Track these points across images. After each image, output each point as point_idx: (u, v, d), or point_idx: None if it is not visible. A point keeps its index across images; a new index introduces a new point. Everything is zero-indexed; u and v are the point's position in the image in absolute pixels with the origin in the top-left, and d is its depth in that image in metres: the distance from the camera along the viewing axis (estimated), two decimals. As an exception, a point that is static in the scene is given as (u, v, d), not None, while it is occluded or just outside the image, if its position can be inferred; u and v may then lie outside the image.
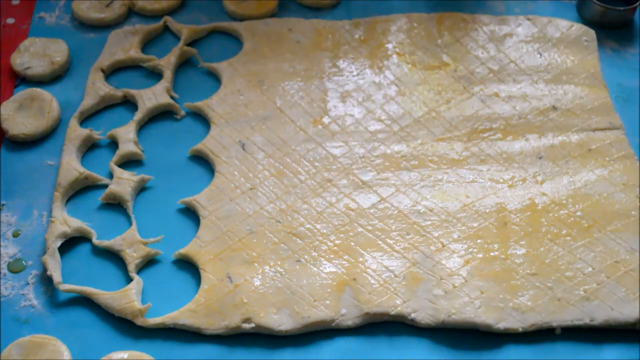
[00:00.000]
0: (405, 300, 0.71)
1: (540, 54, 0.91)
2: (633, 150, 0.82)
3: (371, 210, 0.77)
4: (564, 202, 0.78)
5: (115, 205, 0.79)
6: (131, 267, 0.73)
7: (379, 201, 0.78)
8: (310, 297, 0.71)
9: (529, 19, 0.95)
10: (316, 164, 0.81)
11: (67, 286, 0.71)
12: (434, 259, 0.74)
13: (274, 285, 0.72)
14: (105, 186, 0.79)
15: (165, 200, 0.79)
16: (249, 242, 0.74)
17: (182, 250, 0.74)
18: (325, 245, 0.74)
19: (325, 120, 0.85)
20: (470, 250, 0.74)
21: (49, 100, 0.85)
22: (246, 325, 0.69)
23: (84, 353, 0.68)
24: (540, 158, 0.82)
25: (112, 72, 0.90)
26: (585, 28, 0.94)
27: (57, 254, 0.73)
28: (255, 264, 0.73)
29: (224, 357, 0.69)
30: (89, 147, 0.84)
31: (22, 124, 0.83)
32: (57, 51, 0.89)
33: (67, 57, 0.89)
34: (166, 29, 0.95)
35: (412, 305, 0.71)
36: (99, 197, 0.79)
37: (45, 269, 0.72)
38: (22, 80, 0.89)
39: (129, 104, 0.87)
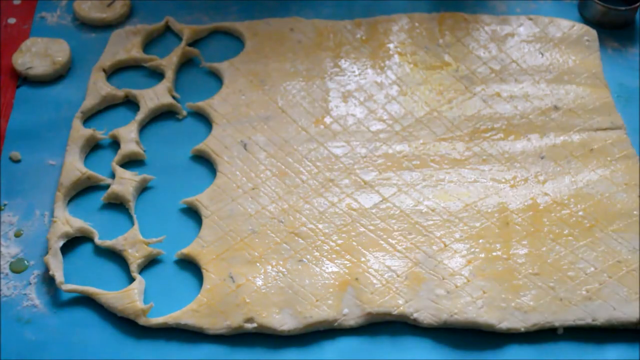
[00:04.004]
0: (407, 300, 0.71)
1: (542, 54, 0.91)
2: (634, 150, 0.82)
3: (373, 210, 0.77)
4: (566, 202, 0.78)
5: (117, 205, 0.79)
6: (133, 267, 0.73)
7: (381, 201, 0.78)
8: (312, 297, 0.71)
9: (530, 19, 0.95)
10: (318, 163, 0.81)
11: (69, 286, 0.71)
12: (436, 259, 0.74)
13: (276, 285, 0.72)
14: (107, 186, 0.79)
15: (167, 200, 0.79)
16: (251, 242, 0.74)
17: (185, 250, 0.74)
18: (328, 245, 0.74)
19: (327, 120, 0.85)
20: (472, 250, 0.74)
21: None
22: (248, 325, 0.69)
23: (86, 353, 0.68)
24: (542, 158, 0.82)
25: (114, 72, 0.90)
26: (586, 28, 0.94)
27: (59, 254, 0.73)
28: (258, 264, 0.73)
29: (226, 357, 0.69)
30: (90, 147, 0.83)
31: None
32: (58, 51, 0.89)
33: (68, 57, 0.89)
34: (168, 29, 0.95)
35: (414, 305, 0.71)
36: (101, 197, 0.79)
37: (47, 269, 0.72)
38: (24, 80, 0.89)
39: (131, 104, 0.87)
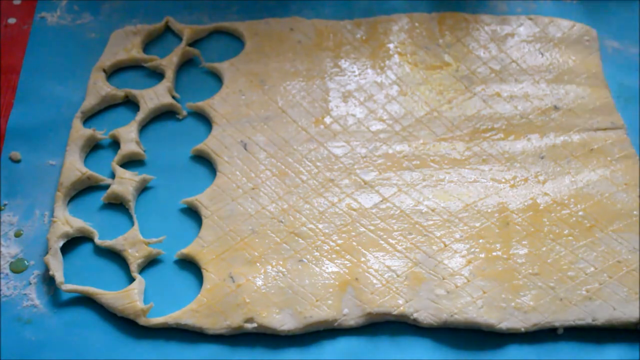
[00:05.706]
0: (407, 300, 0.71)
1: (542, 54, 0.91)
2: (635, 150, 0.82)
3: (373, 210, 0.77)
4: (566, 202, 0.78)
5: (117, 205, 0.79)
6: (133, 267, 0.73)
7: (381, 201, 0.78)
8: (312, 297, 0.71)
9: (530, 19, 0.95)
10: (318, 163, 0.81)
11: (69, 286, 0.71)
12: (436, 259, 0.74)
13: (276, 285, 0.72)
14: (107, 186, 0.79)
15: (167, 200, 0.79)
16: (251, 242, 0.74)
17: (184, 250, 0.74)
18: (328, 245, 0.74)
19: (327, 120, 0.85)
20: (472, 250, 0.74)
21: None
22: (248, 325, 0.69)
23: (86, 353, 0.68)
24: (542, 158, 0.82)
25: (114, 72, 0.90)
26: (586, 28, 0.94)
27: (59, 254, 0.73)
28: (258, 264, 0.73)
29: (226, 357, 0.69)
30: (91, 147, 0.83)
31: None
32: None
33: None
34: (168, 29, 0.95)
35: (414, 305, 0.71)
36: (101, 197, 0.79)
37: (47, 269, 0.72)
38: None
39: (131, 104, 0.87)
